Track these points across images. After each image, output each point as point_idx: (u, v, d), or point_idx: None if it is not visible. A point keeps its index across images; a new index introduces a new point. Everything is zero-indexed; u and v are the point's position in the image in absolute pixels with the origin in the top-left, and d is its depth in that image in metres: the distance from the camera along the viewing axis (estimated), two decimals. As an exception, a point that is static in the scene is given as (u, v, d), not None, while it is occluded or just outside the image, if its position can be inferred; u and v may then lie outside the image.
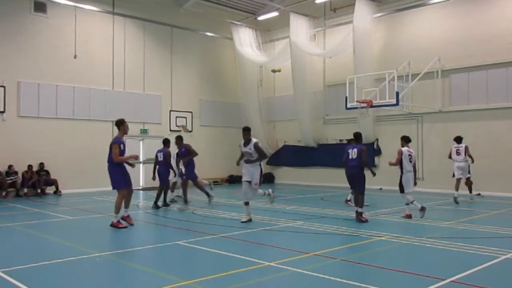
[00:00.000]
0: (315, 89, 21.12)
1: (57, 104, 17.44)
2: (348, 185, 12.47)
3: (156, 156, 12.80)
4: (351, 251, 7.13)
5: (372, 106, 15.75)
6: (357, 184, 10.07)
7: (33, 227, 9.58)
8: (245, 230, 8.85)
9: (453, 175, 13.78)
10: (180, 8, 21.20)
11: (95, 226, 9.02)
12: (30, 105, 16.83)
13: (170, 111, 21.05)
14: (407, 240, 7.75)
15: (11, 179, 15.94)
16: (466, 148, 13.60)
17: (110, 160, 9.02)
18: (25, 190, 16.21)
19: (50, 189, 16.89)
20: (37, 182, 16.31)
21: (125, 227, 9.03)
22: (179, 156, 12.64)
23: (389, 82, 15.32)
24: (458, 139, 13.87)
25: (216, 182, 21.57)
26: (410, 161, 10.46)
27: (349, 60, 18.68)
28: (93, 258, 6.59)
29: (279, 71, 21.99)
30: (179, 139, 12.40)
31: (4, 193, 15.63)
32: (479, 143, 15.96)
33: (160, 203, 12.52)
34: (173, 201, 13.58)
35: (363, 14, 18.36)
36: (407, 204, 10.30)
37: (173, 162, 13.14)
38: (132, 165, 9.49)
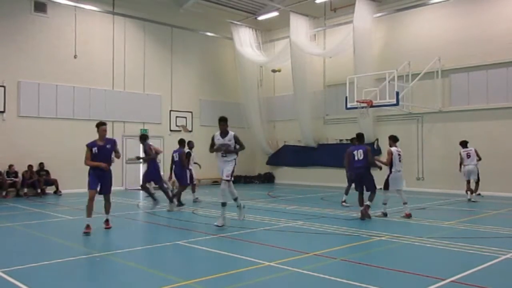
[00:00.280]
0: (315, 89, 21.12)
1: (57, 104, 17.44)
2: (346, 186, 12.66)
3: (172, 156, 12.95)
4: (351, 251, 7.13)
5: (372, 106, 15.75)
6: (367, 184, 10.21)
7: (33, 227, 9.58)
8: (245, 230, 8.85)
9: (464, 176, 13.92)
10: (180, 8, 21.20)
11: (95, 226, 9.00)
12: (30, 105, 16.83)
13: (170, 111, 21.05)
14: (407, 240, 7.74)
15: (11, 180, 15.96)
16: (476, 151, 13.80)
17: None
18: (25, 190, 16.22)
19: (50, 189, 16.89)
20: (37, 182, 16.31)
21: (85, 232, 8.28)
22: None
23: (389, 82, 15.32)
24: (465, 143, 13.99)
25: (216, 182, 21.59)
26: (400, 161, 10.51)
27: (349, 60, 18.68)
28: (93, 258, 6.59)
29: (279, 71, 21.99)
30: (142, 139, 12.21)
31: (4, 193, 15.64)
32: (479, 143, 15.93)
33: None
34: (196, 201, 13.59)
35: (363, 14, 18.36)
36: (398, 202, 10.43)
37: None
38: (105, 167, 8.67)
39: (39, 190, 16.27)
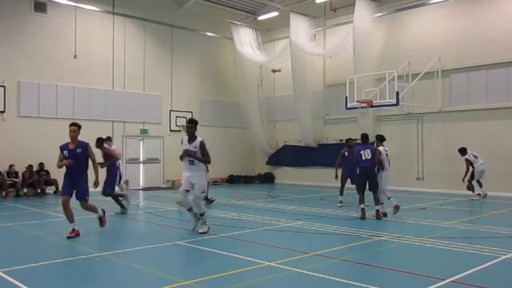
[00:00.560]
0: (315, 89, 21.12)
1: (57, 104, 17.43)
2: (346, 186, 12.67)
3: None
4: (351, 251, 7.12)
5: (372, 106, 15.76)
6: (373, 183, 10.28)
7: (33, 227, 9.59)
8: (245, 230, 8.85)
9: (473, 178, 14.00)
10: (180, 8, 21.20)
11: (95, 226, 8.99)
12: (30, 105, 16.83)
13: (170, 111, 21.05)
14: (407, 240, 7.74)
15: (12, 180, 15.96)
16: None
17: None
18: (25, 190, 16.22)
19: (50, 189, 16.88)
20: (37, 182, 16.31)
21: (69, 236, 7.92)
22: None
23: (389, 82, 15.32)
24: (465, 150, 14.22)
25: (216, 182, 21.60)
26: (387, 160, 10.68)
27: (349, 60, 18.68)
28: (93, 258, 6.59)
29: (279, 71, 21.98)
30: (98, 142, 11.53)
31: (4, 193, 15.64)
32: (479, 143, 15.97)
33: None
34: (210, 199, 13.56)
35: (363, 14, 18.36)
36: (389, 198, 10.47)
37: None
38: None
39: (39, 190, 16.27)
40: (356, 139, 13.26)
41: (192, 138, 8.16)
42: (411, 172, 18.04)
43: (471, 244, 7.35)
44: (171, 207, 12.62)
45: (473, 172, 13.88)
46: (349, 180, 12.60)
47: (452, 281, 5.24)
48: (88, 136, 19.91)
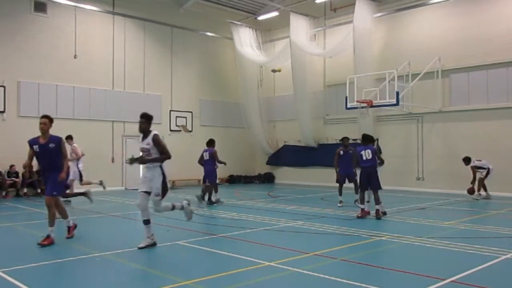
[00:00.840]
0: (315, 89, 21.12)
1: (57, 104, 17.43)
2: (344, 185, 12.70)
3: (202, 155, 13.45)
4: (351, 251, 7.13)
5: (372, 106, 15.76)
6: (374, 183, 10.34)
7: (33, 227, 9.58)
8: (245, 230, 8.85)
9: (486, 176, 14.28)
10: (180, 8, 21.20)
11: (95, 226, 9.02)
12: (30, 105, 16.83)
13: (170, 111, 21.05)
14: (407, 240, 7.74)
15: (12, 180, 15.95)
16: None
17: None
18: (25, 190, 16.22)
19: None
20: (37, 182, 16.31)
21: (40, 244, 7.36)
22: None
23: (389, 82, 15.32)
24: (469, 159, 14.46)
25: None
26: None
27: (349, 60, 18.68)
28: (93, 258, 6.59)
29: (279, 71, 21.98)
30: (66, 139, 11.79)
31: (4, 193, 15.63)
32: (479, 143, 15.98)
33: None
34: (218, 201, 13.54)
35: (363, 14, 18.36)
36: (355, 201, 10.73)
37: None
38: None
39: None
40: (356, 139, 13.27)
41: (145, 134, 7.23)
42: (411, 172, 18.04)
43: (471, 244, 7.35)
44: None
45: (488, 171, 14.14)
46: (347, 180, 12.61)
47: (452, 281, 5.24)
48: (88, 136, 20.02)
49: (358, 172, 11.17)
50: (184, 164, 21.17)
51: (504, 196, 14.91)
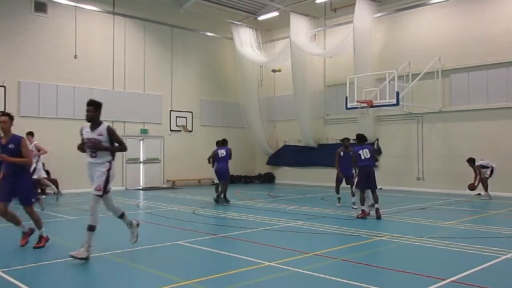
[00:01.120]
0: (315, 89, 21.12)
1: (58, 104, 17.44)
2: (345, 185, 12.70)
3: (217, 153, 13.49)
4: (352, 251, 7.13)
5: (372, 106, 15.76)
6: (373, 182, 10.39)
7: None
8: (245, 230, 8.85)
9: (490, 176, 14.38)
10: (180, 8, 21.20)
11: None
12: (31, 105, 16.84)
13: (170, 111, 21.05)
14: (408, 240, 7.75)
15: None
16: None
17: None
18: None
19: (50, 189, 16.85)
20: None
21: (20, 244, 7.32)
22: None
23: (389, 82, 15.32)
24: (473, 160, 14.52)
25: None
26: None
27: (349, 60, 18.69)
28: (93, 258, 6.58)
29: (279, 71, 21.99)
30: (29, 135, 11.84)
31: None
32: (479, 143, 15.99)
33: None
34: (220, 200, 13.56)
35: (363, 14, 18.36)
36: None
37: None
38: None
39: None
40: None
41: (95, 124, 6.52)
42: (411, 172, 18.04)
43: (471, 244, 7.35)
44: (171, 207, 12.63)
45: (492, 170, 14.20)
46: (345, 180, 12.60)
47: (452, 281, 5.24)
48: (88, 136, 19.71)
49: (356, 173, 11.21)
50: (184, 164, 21.23)
51: (504, 196, 14.92)
